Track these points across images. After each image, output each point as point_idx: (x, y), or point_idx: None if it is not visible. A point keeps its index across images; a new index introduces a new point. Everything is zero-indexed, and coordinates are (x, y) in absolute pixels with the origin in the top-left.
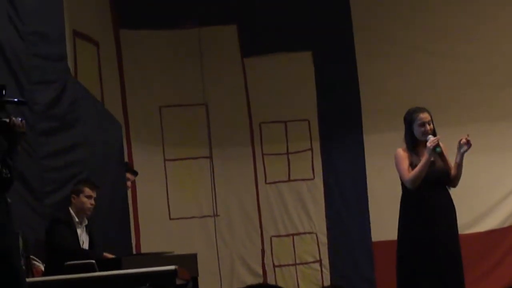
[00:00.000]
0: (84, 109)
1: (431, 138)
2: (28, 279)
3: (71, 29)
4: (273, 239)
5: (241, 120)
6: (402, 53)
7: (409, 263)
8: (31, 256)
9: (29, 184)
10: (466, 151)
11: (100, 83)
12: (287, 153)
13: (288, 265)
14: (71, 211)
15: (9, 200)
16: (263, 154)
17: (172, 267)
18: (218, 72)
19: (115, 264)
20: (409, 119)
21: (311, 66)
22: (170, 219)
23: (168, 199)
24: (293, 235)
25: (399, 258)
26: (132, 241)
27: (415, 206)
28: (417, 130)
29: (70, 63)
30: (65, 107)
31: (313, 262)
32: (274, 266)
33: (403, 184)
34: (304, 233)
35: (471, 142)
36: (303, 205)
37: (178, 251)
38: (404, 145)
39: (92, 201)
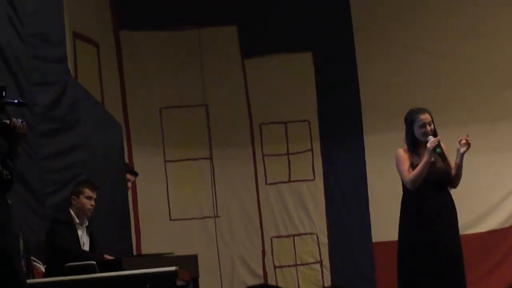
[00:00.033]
0: (84, 110)
1: (431, 139)
2: (28, 281)
3: (71, 31)
4: (274, 239)
5: (242, 121)
6: (402, 53)
7: (410, 263)
8: (32, 258)
9: (29, 186)
10: (465, 151)
11: (100, 84)
12: (288, 153)
13: (289, 265)
14: (72, 212)
15: (9, 201)
16: (263, 155)
17: (172, 268)
18: (218, 73)
19: (116, 265)
20: (410, 120)
21: (311, 67)
22: (171, 220)
23: (168, 200)
24: (293, 235)
25: (400, 258)
26: (133, 242)
27: (415, 207)
28: (417, 131)
29: (70, 65)
30: (65, 109)
31: (314, 262)
32: (274, 266)
33: (403, 185)
34: (305, 233)
35: (471, 142)
36: (303, 206)
37: (178, 252)
38: (405, 146)
39: (92, 202)
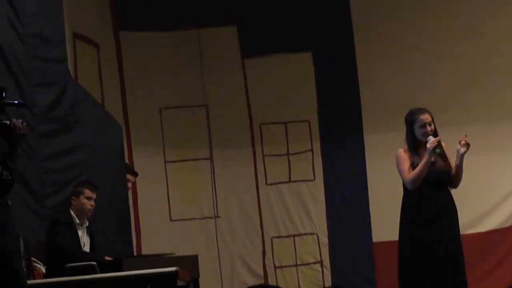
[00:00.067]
0: (84, 111)
1: (431, 139)
2: (29, 281)
3: (71, 31)
4: (274, 240)
5: (242, 121)
6: (402, 53)
7: (410, 263)
8: (32, 258)
9: (29, 186)
10: (465, 152)
11: (100, 84)
12: (288, 154)
13: (289, 266)
14: (72, 212)
15: (9, 202)
16: (263, 155)
17: (173, 268)
18: (218, 73)
19: (116, 266)
20: (410, 120)
21: (311, 67)
22: (171, 220)
23: (168, 200)
24: (294, 236)
25: (400, 258)
26: (133, 243)
27: (415, 207)
28: (418, 131)
29: (70, 65)
30: (65, 109)
31: (314, 263)
32: (275, 267)
33: (404, 185)
34: (305, 234)
35: (471, 142)
36: (303, 206)
37: (179, 253)
38: (405, 145)
39: (92, 202)
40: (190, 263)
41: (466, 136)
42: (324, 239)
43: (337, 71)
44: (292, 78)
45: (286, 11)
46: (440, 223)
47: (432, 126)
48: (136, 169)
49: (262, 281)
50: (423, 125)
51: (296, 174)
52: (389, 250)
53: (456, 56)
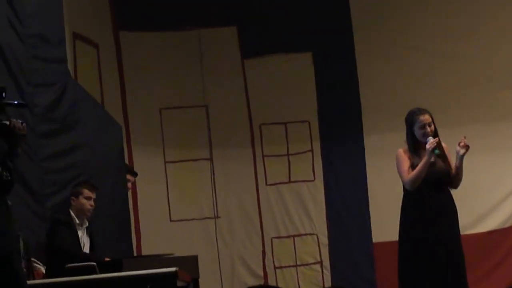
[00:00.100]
0: (84, 111)
1: (430, 139)
2: (29, 282)
3: (71, 32)
4: (274, 240)
5: (241, 122)
6: (402, 53)
7: (410, 263)
8: (32, 259)
9: (29, 186)
10: (465, 153)
11: (100, 85)
12: (288, 154)
13: (289, 266)
14: (72, 213)
15: (9, 202)
16: (263, 156)
17: (172, 269)
18: (218, 74)
19: (116, 266)
20: (410, 121)
21: (311, 67)
22: (171, 221)
23: (168, 201)
24: (293, 236)
25: (400, 259)
26: (133, 243)
27: (415, 207)
28: (417, 132)
29: (70, 65)
30: (65, 109)
31: (314, 263)
32: (275, 267)
33: (404, 185)
34: (305, 234)
35: (471, 142)
36: (303, 206)
37: (178, 253)
38: (405, 146)
39: (92, 203)
40: (190, 263)
41: (465, 137)
42: (324, 240)
43: (337, 71)
44: (292, 78)
45: (286, 11)
46: (440, 223)
47: (432, 127)
48: (136, 169)
49: (262, 282)
50: (423, 126)
51: (296, 174)
52: (389, 251)
53: (456, 56)
